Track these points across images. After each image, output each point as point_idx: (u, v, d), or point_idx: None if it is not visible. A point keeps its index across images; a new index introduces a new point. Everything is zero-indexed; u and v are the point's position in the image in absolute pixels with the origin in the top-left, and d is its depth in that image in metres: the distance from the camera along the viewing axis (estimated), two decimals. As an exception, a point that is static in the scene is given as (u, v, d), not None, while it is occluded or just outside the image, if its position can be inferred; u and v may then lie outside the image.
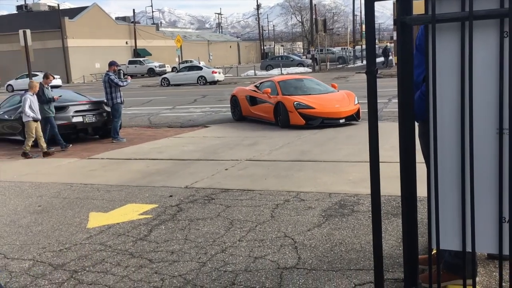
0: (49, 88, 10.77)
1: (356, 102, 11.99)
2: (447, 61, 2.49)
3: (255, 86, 13.72)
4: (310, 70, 40.24)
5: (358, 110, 11.91)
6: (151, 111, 18.11)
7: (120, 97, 11.62)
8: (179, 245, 4.59)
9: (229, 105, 14.79)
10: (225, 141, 10.65)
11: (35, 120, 9.91)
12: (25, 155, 9.82)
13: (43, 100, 10.43)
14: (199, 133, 12.28)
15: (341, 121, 11.47)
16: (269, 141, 10.12)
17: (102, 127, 11.90)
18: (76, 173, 8.16)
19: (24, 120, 9.90)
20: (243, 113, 13.60)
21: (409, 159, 2.62)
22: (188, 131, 12.77)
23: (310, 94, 12.21)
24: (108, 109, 11.90)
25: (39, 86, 10.42)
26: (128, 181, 7.30)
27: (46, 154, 9.88)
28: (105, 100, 11.79)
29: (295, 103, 11.56)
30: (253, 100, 13.19)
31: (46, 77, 10.81)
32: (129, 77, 12.48)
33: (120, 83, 11.54)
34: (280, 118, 11.81)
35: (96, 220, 5.48)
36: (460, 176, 2.53)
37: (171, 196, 6.32)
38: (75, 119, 11.07)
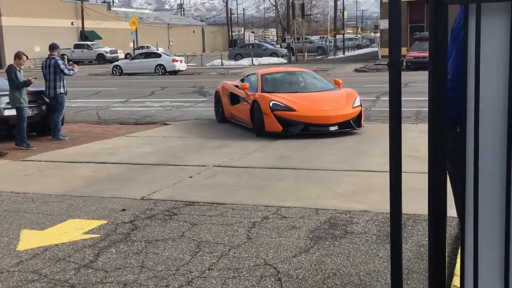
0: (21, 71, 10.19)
1: (357, 104, 10.44)
2: (492, 52, 2.19)
3: (241, 80, 12.65)
4: (285, 61, 40.17)
5: (360, 115, 10.38)
6: (100, 104, 17.60)
7: (64, 86, 11.11)
8: (134, 275, 4.19)
9: (209, 100, 14.28)
10: (188, 142, 10.28)
11: None
12: None
13: (16, 85, 9.80)
14: (157, 131, 11.90)
15: (332, 128, 10.03)
16: (240, 144, 9.79)
17: (41, 122, 11.33)
18: (7, 179, 7.65)
19: None
20: (225, 114, 12.26)
21: (439, 170, 2.30)
22: (144, 129, 12.39)
23: (298, 92, 10.89)
24: (47, 100, 11.33)
25: (9, 68, 9.88)
26: (71, 190, 6.84)
27: None
28: (45, 90, 11.23)
29: (271, 102, 10.14)
30: (234, 98, 11.87)
31: (18, 57, 10.19)
32: (75, 65, 11.98)
33: (66, 70, 11.01)
34: (254, 122, 10.51)
35: (29, 240, 5.02)
36: (504, 199, 2.22)
37: (123, 210, 5.91)
38: (7, 112, 10.47)
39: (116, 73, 33.46)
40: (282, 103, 10.22)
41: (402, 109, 2.41)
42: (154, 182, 7.19)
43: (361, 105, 10.62)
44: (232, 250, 4.65)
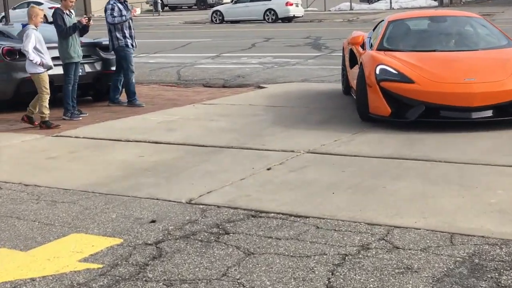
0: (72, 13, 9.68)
1: None
2: None
3: (373, 29, 10.21)
4: (436, 3, 37.57)
5: None
6: (185, 60, 16.97)
7: (126, 37, 10.33)
8: None
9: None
10: (281, 114, 9.16)
11: (47, 69, 8.77)
12: (46, 124, 8.66)
13: (62, 31, 9.29)
14: (245, 98, 11.00)
15: (477, 114, 7.60)
16: (354, 118, 8.42)
17: (94, 84, 10.67)
18: (22, 163, 6.90)
19: (29, 71, 8.76)
20: (349, 81, 10.11)
21: None
22: (230, 94, 11.59)
23: (438, 51, 8.70)
24: (107, 55, 10.71)
25: (55, 12, 9.41)
26: (97, 184, 5.94)
27: (45, 126, 8.68)
28: (105, 42, 10.64)
29: (378, 67, 8.01)
30: (353, 58, 9.86)
31: None
32: (135, 8, 11.19)
33: (109, 18, 10.25)
34: (356, 98, 8.60)
35: (2, 267, 4.09)
36: None
37: (153, 221, 4.86)
38: (50, 71, 9.83)
39: (216, 20, 32.97)
40: (395, 69, 7.95)
41: None
42: (215, 175, 6.11)
43: None
44: (296, 310, 3.42)
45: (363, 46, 9.31)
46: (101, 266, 4.05)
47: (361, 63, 8.54)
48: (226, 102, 10.56)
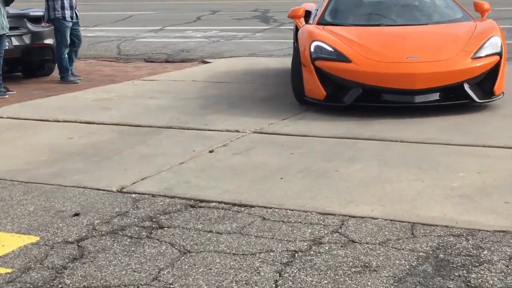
0: None
1: (490, 50, 7.06)
2: None
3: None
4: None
5: (491, 73, 7.01)
6: (126, 34, 16.31)
7: (67, 8, 9.64)
8: None
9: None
10: (226, 90, 8.68)
11: None
12: None
13: None
14: (188, 73, 10.56)
15: (418, 98, 6.84)
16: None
17: (23, 59, 9.98)
18: None
19: None
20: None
21: None
22: (173, 69, 11.05)
23: (383, 25, 7.85)
24: (37, 28, 10.04)
25: None
26: (17, 171, 5.39)
27: None
28: (34, 13, 9.99)
29: (313, 44, 7.16)
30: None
31: None
32: None
33: None
34: (292, 78, 7.70)
35: None
36: None
37: (76, 215, 4.33)
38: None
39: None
40: (331, 46, 7.10)
41: None
42: (151, 159, 5.61)
43: (499, 55, 7.05)
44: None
45: (308, 18, 8.68)
46: (10, 270, 3.51)
47: (297, 39, 7.75)
48: (168, 78, 10.07)
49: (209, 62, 11.64)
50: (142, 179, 5.06)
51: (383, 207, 4.33)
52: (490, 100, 7.06)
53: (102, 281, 3.35)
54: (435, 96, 6.87)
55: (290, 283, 3.29)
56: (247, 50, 12.95)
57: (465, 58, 6.93)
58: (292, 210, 4.32)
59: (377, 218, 4.13)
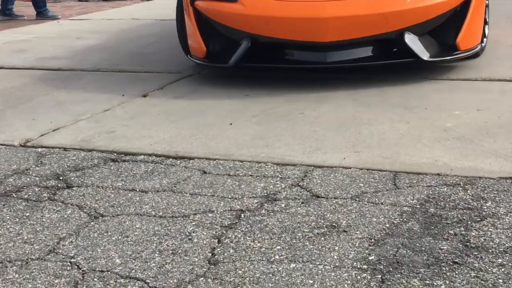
0: None
1: None
2: None
3: None
4: None
5: (451, 16, 5.41)
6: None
7: None
8: None
9: None
10: (171, 28, 8.14)
11: None
12: None
13: None
14: (127, 10, 10.43)
15: (332, 56, 5.32)
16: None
17: None
18: None
19: None
20: None
21: None
22: (109, 7, 10.63)
23: None
24: None
25: None
26: None
27: None
28: None
29: None
30: None
31: None
32: None
33: None
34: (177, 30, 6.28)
35: None
36: None
37: (-42, 174, 3.81)
38: None
39: None
40: None
41: None
42: (69, 106, 5.18)
43: None
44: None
45: None
46: None
47: None
48: (102, 16, 9.78)
49: (154, -1, 11.20)
50: (53, 130, 4.57)
51: (357, 153, 3.87)
52: (450, 57, 5.48)
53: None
54: (364, 52, 5.38)
55: (231, 250, 2.81)
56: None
57: None
58: (241, 162, 3.85)
59: (350, 168, 3.67)
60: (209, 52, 5.58)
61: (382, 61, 5.37)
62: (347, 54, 5.32)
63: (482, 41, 5.73)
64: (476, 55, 5.74)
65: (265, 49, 5.41)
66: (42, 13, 9.70)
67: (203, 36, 5.58)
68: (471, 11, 5.40)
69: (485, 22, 5.91)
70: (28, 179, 3.72)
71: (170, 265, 2.69)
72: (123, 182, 3.61)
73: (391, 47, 5.40)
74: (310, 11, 5.16)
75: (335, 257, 2.70)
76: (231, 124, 4.52)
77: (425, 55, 5.26)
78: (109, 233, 3.01)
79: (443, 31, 5.43)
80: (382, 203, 3.19)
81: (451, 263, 2.60)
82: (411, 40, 5.22)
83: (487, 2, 5.92)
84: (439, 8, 5.30)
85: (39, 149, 4.22)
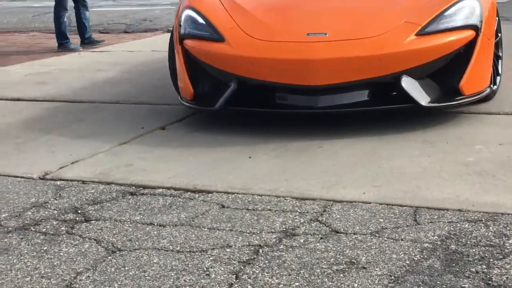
0: None
1: (461, 22, 5.03)
2: None
3: None
4: None
5: (455, 58, 5.04)
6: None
7: None
8: None
9: None
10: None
11: None
12: None
13: None
14: (148, 42, 10.41)
15: (323, 100, 4.97)
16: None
17: None
18: None
19: None
20: None
21: None
22: (131, 39, 10.72)
23: None
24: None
25: None
26: None
27: None
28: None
29: (184, 14, 5.51)
30: None
31: None
32: None
33: None
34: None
35: None
36: None
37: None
38: None
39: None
40: (204, 17, 5.38)
41: None
42: (88, 139, 5.21)
43: (475, 29, 5.04)
44: None
45: None
46: None
47: (179, 7, 5.84)
48: (123, 48, 9.78)
49: (174, 31, 11.28)
50: (72, 163, 4.59)
51: (377, 188, 3.85)
52: (453, 103, 5.12)
53: (-4, 291, 2.86)
54: (359, 96, 5.03)
55: (249, 287, 2.80)
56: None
57: (405, 34, 4.94)
58: (260, 196, 3.84)
59: (370, 203, 3.65)
60: (197, 94, 5.33)
61: (378, 107, 5.00)
62: (339, 99, 4.96)
63: (494, 83, 5.40)
64: (486, 98, 5.35)
65: (254, 92, 5.13)
66: (63, 45, 9.78)
67: (191, 77, 5.33)
68: (476, 52, 5.01)
69: (498, 58, 5.66)
70: (46, 212, 3.73)
71: (187, 301, 2.68)
72: (141, 216, 3.61)
73: (389, 90, 5.03)
74: (299, 53, 4.94)
75: (354, 294, 2.68)
76: (250, 157, 4.52)
77: (424, 100, 4.90)
78: (126, 268, 3.01)
79: (445, 74, 5.07)
80: (402, 239, 3.17)
81: (473, 302, 2.57)
82: (408, 84, 4.88)
83: (497, 38, 5.62)
84: (440, 50, 4.97)
85: (58, 182, 4.23)
